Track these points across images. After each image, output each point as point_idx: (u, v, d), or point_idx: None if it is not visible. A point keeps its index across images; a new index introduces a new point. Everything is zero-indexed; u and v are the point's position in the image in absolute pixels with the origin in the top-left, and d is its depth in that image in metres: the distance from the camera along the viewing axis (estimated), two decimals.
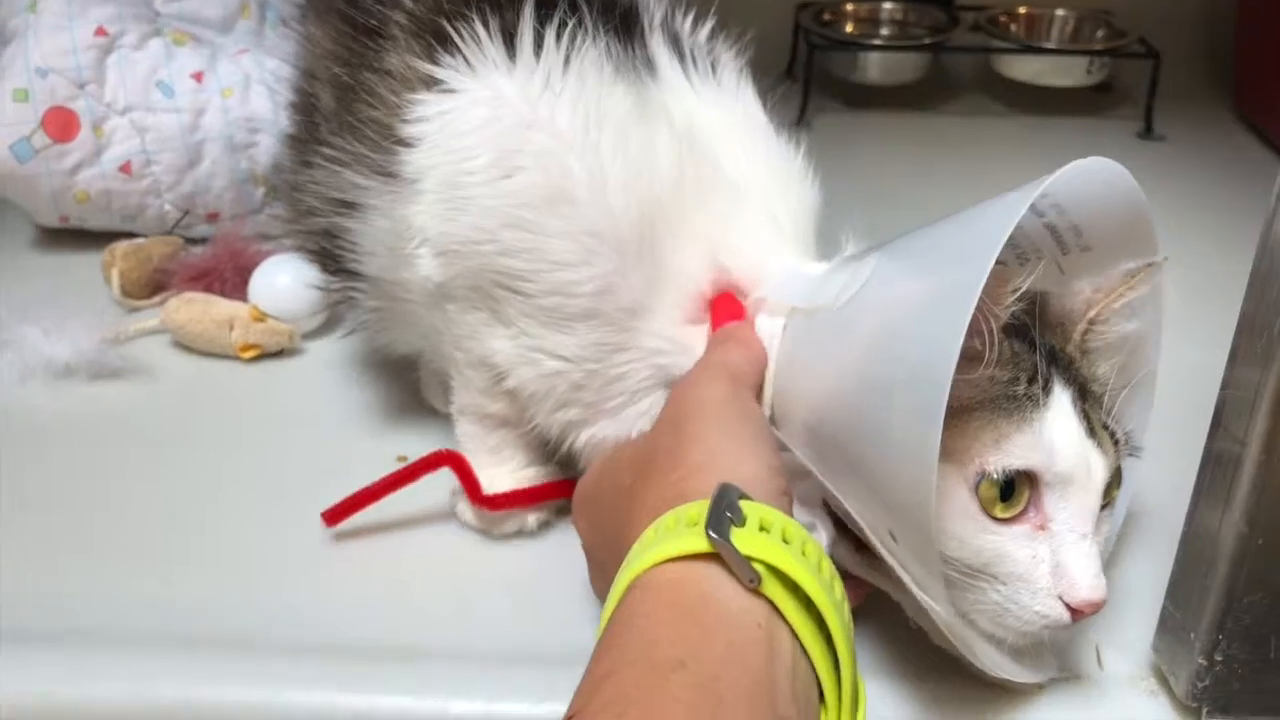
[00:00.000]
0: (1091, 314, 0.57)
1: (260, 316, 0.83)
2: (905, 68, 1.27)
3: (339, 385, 0.81)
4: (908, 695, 0.56)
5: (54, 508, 0.69)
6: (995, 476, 0.50)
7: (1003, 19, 1.29)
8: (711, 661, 0.41)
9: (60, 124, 0.91)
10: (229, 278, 0.88)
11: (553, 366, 0.60)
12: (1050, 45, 1.28)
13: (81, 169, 0.92)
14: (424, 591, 0.64)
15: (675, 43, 0.65)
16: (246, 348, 0.82)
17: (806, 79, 1.23)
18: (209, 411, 0.79)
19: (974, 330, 0.48)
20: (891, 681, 0.57)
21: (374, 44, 0.62)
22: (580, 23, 0.60)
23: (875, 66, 1.27)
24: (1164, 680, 0.56)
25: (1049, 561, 0.51)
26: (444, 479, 0.67)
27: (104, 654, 0.58)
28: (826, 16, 1.31)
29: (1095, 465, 0.52)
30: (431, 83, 0.60)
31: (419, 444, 0.73)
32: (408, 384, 0.78)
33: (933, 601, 0.50)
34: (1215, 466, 0.51)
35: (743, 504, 0.46)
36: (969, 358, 0.48)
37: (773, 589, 0.44)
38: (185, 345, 0.84)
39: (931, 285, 0.51)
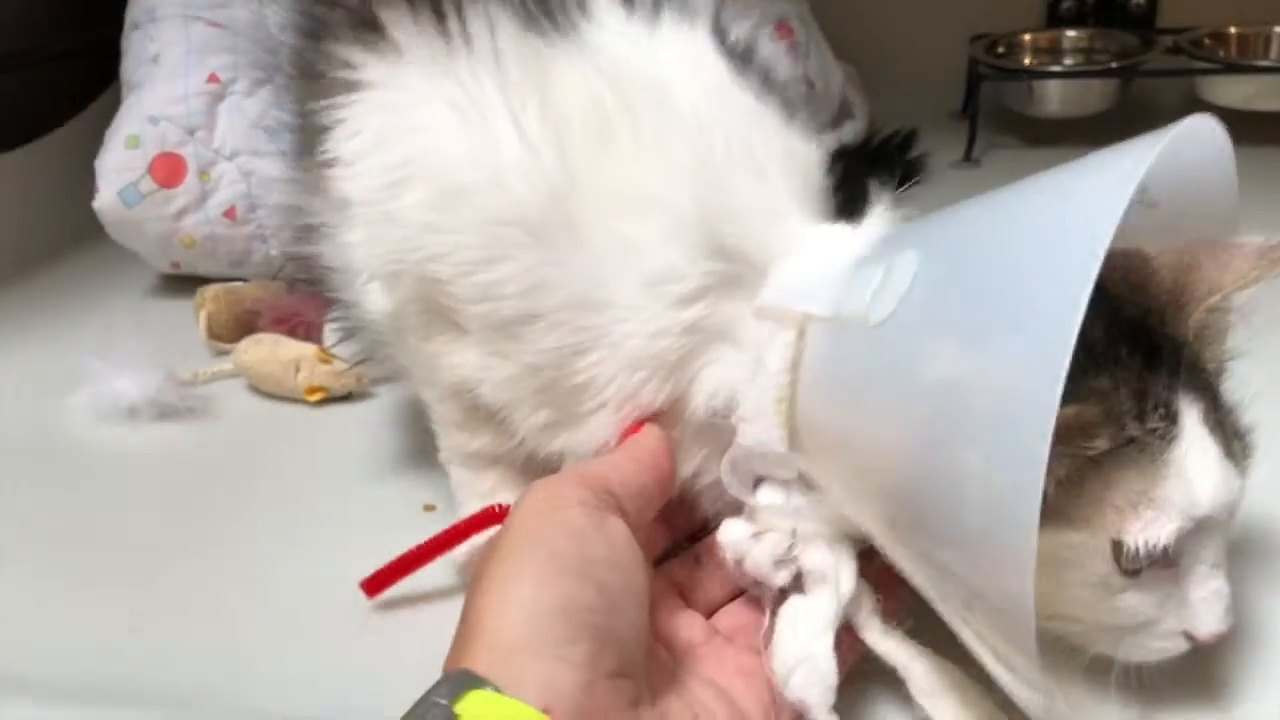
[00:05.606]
0: (1214, 300, 0.45)
1: (327, 358, 0.79)
2: (1091, 97, 1.13)
3: (399, 431, 0.75)
4: None
5: (80, 548, 0.66)
6: (1137, 551, 0.42)
7: (1208, 41, 1.14)
8: None
9: (167, 170, 0.91)
10: (314, 320, 0.85)
11: (508, 372, 0.51)
12: (1268, 63, 1.12)
13: (187, 214, 0.92)
14: None
15: None
16: (313, 390, 0.78)
17: (973, 112, 1.12)
18: (259, 458, 0.74)
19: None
20: None
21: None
22: None
23: (1055, 97, 1.14)
24: None
25: (1175, 597, 0.44)
26: None
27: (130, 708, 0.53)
28: (1001, 49, 1.19)
29: (1234, 490, 0.44)
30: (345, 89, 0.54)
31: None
32: None
33: (1013, 679, 0.40)
34: None
35: (465, 699, 0.37)
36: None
37: None
38: (258, 388, 0.81)
39: (1006, 318, 0.39)
